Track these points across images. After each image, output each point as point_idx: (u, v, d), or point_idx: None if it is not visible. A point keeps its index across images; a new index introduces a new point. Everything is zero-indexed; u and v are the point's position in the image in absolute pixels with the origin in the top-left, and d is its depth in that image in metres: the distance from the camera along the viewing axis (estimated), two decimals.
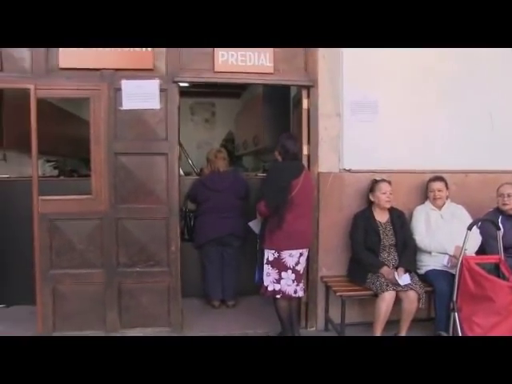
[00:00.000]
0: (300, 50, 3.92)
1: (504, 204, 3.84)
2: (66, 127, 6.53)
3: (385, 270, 3.59)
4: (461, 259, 3.32)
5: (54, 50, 3.58)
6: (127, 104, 3.67)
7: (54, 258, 3.74)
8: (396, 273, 3.56)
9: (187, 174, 5.79)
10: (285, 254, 3.40)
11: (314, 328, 4.09)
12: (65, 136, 6.37)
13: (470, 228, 3.34)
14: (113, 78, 3.64)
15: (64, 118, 6.54)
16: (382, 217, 3.84)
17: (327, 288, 3.96)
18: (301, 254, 3.47)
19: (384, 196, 3.78)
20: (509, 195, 3.82)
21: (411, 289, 3.51)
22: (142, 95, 3.68)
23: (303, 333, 3.88)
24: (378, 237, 3.75)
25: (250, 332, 3.94)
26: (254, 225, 3.85)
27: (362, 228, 3.79)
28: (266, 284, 3.47)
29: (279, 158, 3.51)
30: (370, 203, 3.89)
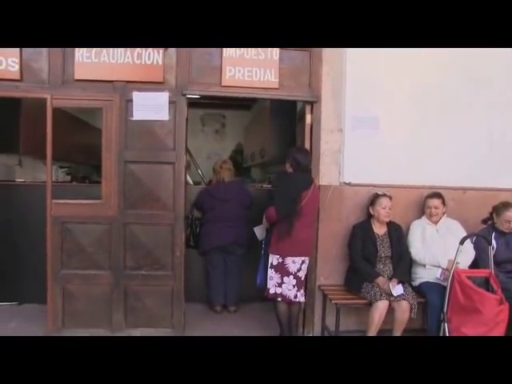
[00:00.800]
0: (305, 67, 4.09)
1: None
2: (79, 135, 6.77)
3: (380, 280, 3.72)
4: (452, 272, 3.45)
5: (70, 62, 3.78)
6: (138, 115, 3.86)
7: (64, 258, 3.93)
8: (390, 283, 3.69)
9: (196, 183, 5.97)
10: (288, 260, 3.59)
11: (311, 334, 4.21)
12: (78, 143, 6.61)
13: (462, 242, 3.48)
14: (124, 89, 3.84)
15: (77, 126, 6.78)
16: (380, 229, 3.97)
17: (324, 296, 4.09)
18: (303, 262, 3.66)
19: (384, 211, 3.91)
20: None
21: (404, 299, 3.64)
22: (151, 107, 3.86)
23: None
24: (375, 248, 3.88)
25: (250, 335, 4.07)
26: (259, 230, 4.02)
27: (360, 239, 3.92)
28: (268, 287, 3.66)
29: (291, 170, 3.69)
30: (370, 216, 4.02)
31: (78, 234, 3.93)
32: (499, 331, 3.25)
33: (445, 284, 3.60)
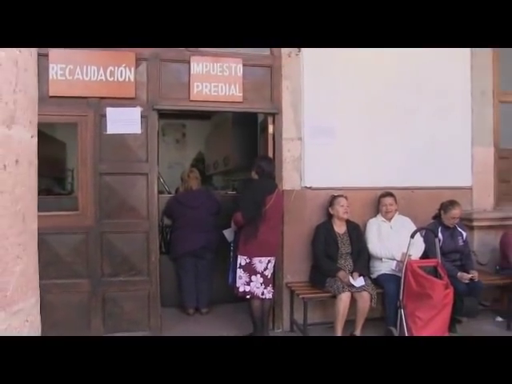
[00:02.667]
0: (266, 82, 4.44)
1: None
2: (40, 148, 6.80)
3: (341, 273, 4.08)
4: (405, 263, 3.85)
5: (44, 79, 3.91)
6: (111, 129, 4.06)
7: (41, 269, 4.04)
8: (351, 277, 4.06)
9: (160, 192, 6.15)
10: (255, 260, 3.87)
11: (281, 329, 4.52)
12: (39, 156, 6.64)
13: (412, 236, 3.89)
14: (98, 105, 4.04)
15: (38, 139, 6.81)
16: (340, 228, 4.34)
17: (291, 293, 4.42)
18: (269, 261, 3.95)
19: (342, 209, 4.28)
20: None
21: (364, 290, 4.01)
22: (124, 121, 4.07)
23: (271, 333, 4.30)
24: (336, 246, 4.24)
25: (223, 334, 4.32)
26: (228, 233, 4.31)
27: (322, 238, 4.27)
28: (237, 285, 3.93)
29: (256, 177, 3.98)
30: (330, 216, 4.38)
31: (55, 244, 4.07)
32: (446, 312, 3.68)
33: (400, 274, 3.99)
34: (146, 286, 4.22)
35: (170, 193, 5.99)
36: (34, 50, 1.20)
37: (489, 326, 4.53)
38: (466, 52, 4.97)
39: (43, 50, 3.73)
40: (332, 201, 4.35)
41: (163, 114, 4.33)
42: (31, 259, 1.26)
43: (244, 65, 4.32)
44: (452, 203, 4.41)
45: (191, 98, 4.24)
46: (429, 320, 3.66)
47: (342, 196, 4.35)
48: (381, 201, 4.51)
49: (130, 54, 4.03)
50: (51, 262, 4.06)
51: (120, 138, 4.10)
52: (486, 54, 5.07)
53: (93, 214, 4.08)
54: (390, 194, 4.50)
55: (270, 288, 4.02)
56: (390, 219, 4.45)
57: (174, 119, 9.11)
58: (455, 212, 4.38)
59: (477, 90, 5.05)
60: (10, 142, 1.08)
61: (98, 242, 4.10)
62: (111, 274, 4.16)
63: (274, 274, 4.21)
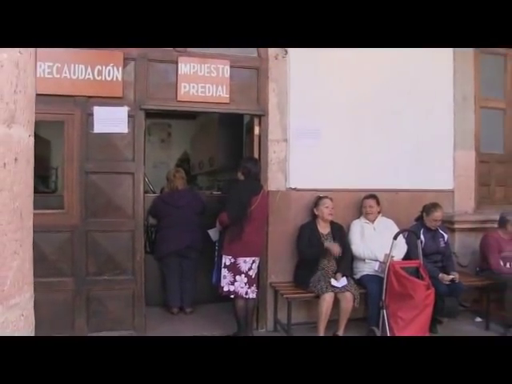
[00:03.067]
0: (253, 84, 4.48)
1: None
2: None
3: (328, 245, 4.21)
4: (388, 264, 3.93)
5: None
6: (98, 128, 4.07)
7: None
8: (335, 277, 4.13)
9: (145, 192, 6.15)
10: (240, 260, 3.91)
11: (265, 329, 4.56)
12: None
13: (395, 238, 3.97)
14: (86, 104, 4.04)
15: None
16: (324, 229, 4.40)
17: (275, 292, 4.47)
18: (253, 261, 4.00)
19: (327, 210, 4.34)
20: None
21: (347, 290, 4.08)
22: (111, 120, 4.08)
23: (255, 333, 4.34)
24: (320, 246, 4.30)
25: (207, 334, 4.35)
26: (213, 233, 4.35)
27: (306, 237, 4.33)
28: (222, 285, 3.96)
29: (242, 178, 4.02)
30: (314, 217, 4.44)
31: (40, 242, 4.04)
32: (427, 312, 3.77)
33: (382, 275, 4.06)
34: (130, 286, 4.23)
35: (154, 192, 6.00)
36: (32, 52, 1.23)
37: (468, 327, 4.64)
38: (449, 57, 5.09)
39: None
40: (317, 201, 4.41)
41: (149, 114, 4.35)
42: (27, 255, 1.30)
43: (231, 66, 4.36)
44: (434, 206, 4.51)
45: (178, 99, 4.27)
46: (410, 320, 3.74)
47: (327, 197, 4.41)
48: (363, 203, 4.60)
49: (117, 53, 4.04)
50: (36, 260, 3.89)
51: (107, 137, 4.11)
52: (467, 60, 5.21)
53: (78, 212, 4.07)
54: (373, 196, 4.58)
55: (253, 288, 4.06)
56: (372, 221, 4.53)
57: (160, 119, 9.09)
58: (437, 214, 4.48)
59: (459, 95, 5.17)
60: (10, 141, 1.11)
61: (83, 240, 4.10)
62: (96, 273, 4.16)
63: (258, 274, 4.25)
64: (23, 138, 1.18)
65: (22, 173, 1.18)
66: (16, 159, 1.14)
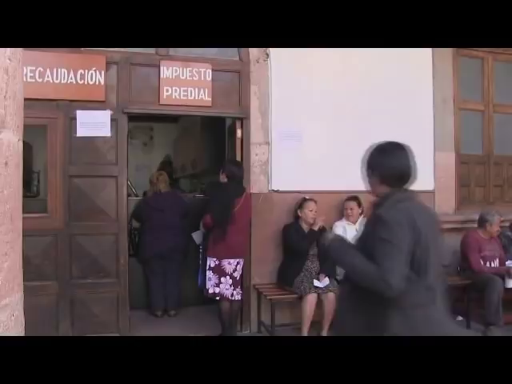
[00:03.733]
0: (235, 87, 4.54)
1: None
2: None
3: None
4: None
5: None
6: (81, 132, 4.08)
7: None
8: (318, 277, 4.20)
9: (127, 195, 6.16)
10: (224, 262, 3.96)
11: (249, 331, 4.60)
12: None
13: None
14: (68, 108, 4.05)
15: None
16: (307, 229, 4.43)
17: (259, 294, 4.52)
18: (238, 263, 4.04)
19: (311, 213, 4.39)
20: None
21: (330, 291, 4.15)
22: (94, 124, 4.10)
23: (239, 335, 4.39)
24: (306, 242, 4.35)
25: (192, 335, 4.39)
26: (197, 236, 4.39)
27: (293, 233, 4.38)
28: (207, 287, 4.00)
29: (225, 180, 4.06)
30: (297, 218, 4.50)
31: (24, 246, 4.00)
32: None
33: None
34: (114, 288, 4.25)
35: (137, 195, 6.00)
36: (21, 59, 1.27)
37: None
38: (428, 60, 5.20)
39: None
40: (302, 203, 4.45)
41: (132, 117, 4.37)
42: (17, 256, 1.33)
43: (213, 70, 4.41)
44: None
45: (161, 102, 4.30)
46: None
47: (311, 200, 4.45)
48: (344, 204, 4.67)
49: (100, 57, 4.07)
50: None
51: (90, 141, 4.12)
52: (446, 62, 5.34)
53: (62, 216, 4.08)
54: (354, 198, 4.64)
55: (238, 289, 4.11)
56: (354, 222, 4.61)
57: (142, 122, 9.06)
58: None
59: (438, 98, 5.29)
60: (1, 146, 1.15)
61: (66, 244, 4.11)
62: (80, 276, 4.16)
63: (241, 275, 4.30)
64: (13, 143, 1.22)
65: (11, 176, 1.22)
66: (6, 163, 1.18)
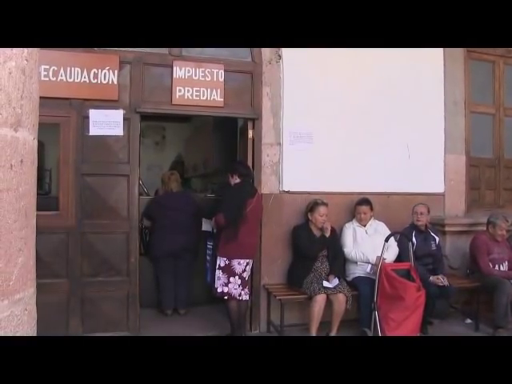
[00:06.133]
0: (247, 88, 4.55)
1: (417, 220, 4.60)
2: None
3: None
4: (380, 266, 4.00)
5: None
6: (94, 131, 4.10)
7: None
8: (326, 280, 4.20)
9: (139, 194, 6.19)
10: (234, 262, 3.97)
11: (258, 330, 4.60)
12: None
13: (386, 240, 4.04)
14: (81, 107, 4.08)
15: None
16: (317, 232, 4.44)
17: (269, 294, 4.52)
18: (247, 263, 4.05)
19: (321, 218, 4.37)
20: (421, 213, 4.59)
21: (340, 292, 4.14)
22: (107, 123, 4.12)
23: (248, 334, 4.40)
24: (315, 245, 4.35)
25: (201, 335, 4.39)
26: (206, 224, 4.42)
27: (304, 236, 4.38)
28: (216, 286, 4.02)
29: (237, 180, 4.08)
30: (308, 220, 4.49)
31: (36, 244, 4.08)
32: (418, 314, 3.84)
33: (374, 277, 4.13)
34: (125, 287, 4.26)
35: (148, 194, 6.03)
36: (37, 59, 1.29)
37: (458, 328, 4.70)
38: (439, 63, 5.19)
39: None
40: (313, 207, 4.41)
41: (144, 117, 4.39)
42: (31, 252, 1.35)
43: (225, 70, 4.42)
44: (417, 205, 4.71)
45: (173, 102, 4.32)
46: (401, 321, 3.81)
47: (323, 204, 4.39)
48: (357, 208, 4.64)
49: (113, 56, 4.09)
50: None
51: (102, 140, 4.14)
52: (458, 66, 5.33)
53: (73, 214, 4.10)
54: (366, 202, 4.62)
55: (246, 290, 4.11)
56: (364, 224, 4.59)
57: (154, 121, 9.11)
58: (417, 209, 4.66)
59: (450, 100, 5.27)
60: (17, 144, 1.17)
61: (78, 242, 4.13)
62: (90, 275, 4.18)
63: (251, 275, 4.30)
64: (28, 141, 1.24)
65: (27, 174, 1.24)
66: (22, 161, 1.20)
